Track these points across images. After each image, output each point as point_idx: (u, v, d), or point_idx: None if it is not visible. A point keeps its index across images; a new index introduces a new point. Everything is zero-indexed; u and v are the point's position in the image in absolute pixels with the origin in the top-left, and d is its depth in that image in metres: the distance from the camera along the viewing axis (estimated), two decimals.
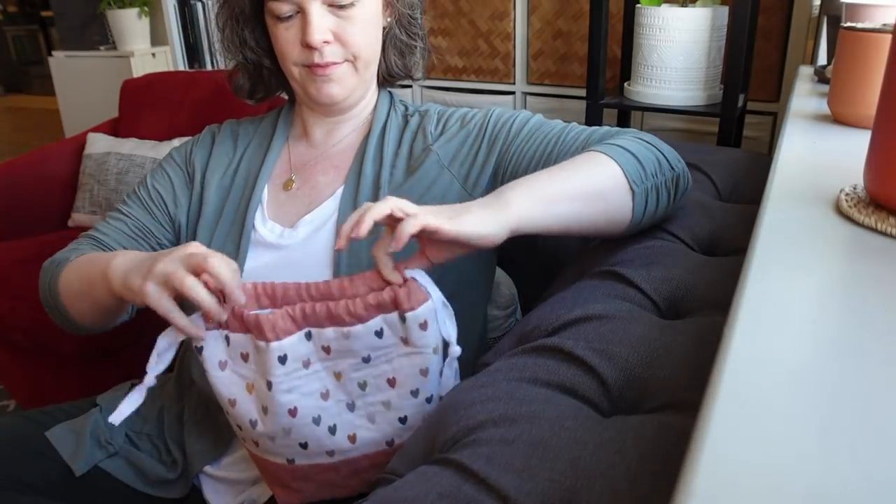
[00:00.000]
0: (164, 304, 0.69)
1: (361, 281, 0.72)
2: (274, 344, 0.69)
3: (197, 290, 0.67)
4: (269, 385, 0.71)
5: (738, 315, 0.44)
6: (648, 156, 0.79)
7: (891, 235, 0.56)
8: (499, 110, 0.94)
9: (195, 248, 0.71)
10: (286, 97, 1.02)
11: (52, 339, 1.47)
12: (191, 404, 0.95)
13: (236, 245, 0.90)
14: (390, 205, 0.65)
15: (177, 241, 0.97)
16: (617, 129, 0.87)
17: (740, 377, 0.38)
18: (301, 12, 0.84)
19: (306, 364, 0.71)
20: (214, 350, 0.73)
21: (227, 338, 0.72)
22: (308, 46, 0.84)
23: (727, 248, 0.84)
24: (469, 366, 0.89)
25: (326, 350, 0.71)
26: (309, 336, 0.71)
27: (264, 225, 0.91)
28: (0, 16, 6.90)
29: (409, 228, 0.62)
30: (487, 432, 0.53)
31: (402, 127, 0.95)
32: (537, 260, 1.17)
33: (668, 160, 0.80)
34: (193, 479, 0.92)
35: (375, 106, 0.97)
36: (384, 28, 0.92)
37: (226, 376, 0.73)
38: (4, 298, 1.52)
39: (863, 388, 0.37)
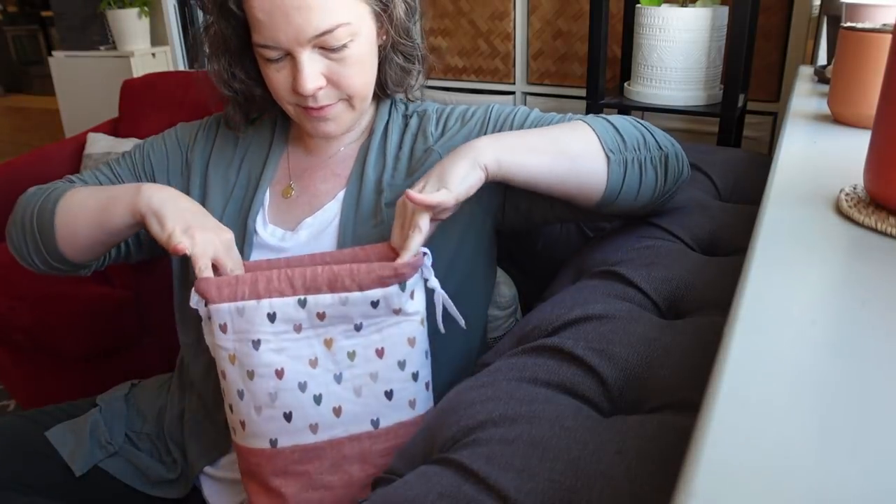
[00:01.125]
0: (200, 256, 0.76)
1: (374, 252, 0.79)
2: (264, 301, 0.73)
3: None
4: (258, 343, 0.73)
5: (738, 315, 0.44)
6: (632, 131, 0.81)
7: (891, 235, 0.56)
8: (498, 106, 0.93)
9: (229, 240, 0.79)
10: None
11: (53, 339, 1.47)
12: (191, 405, 0.95)
13: (239, 247, 0.90)
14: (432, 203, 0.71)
15: None
16: (620, 116, 0.87)
17: (740, 377, 0.38)
18: (291, 55, 0.80)
19: (297, 328, 0.74)
20: (207, 324, 0.77)
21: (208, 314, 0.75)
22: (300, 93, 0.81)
23: (727, 248, 0.84)
24: (469, 366, 0.90)
25: (320, 316, 0.74)
26: (303, 303, 0.73)
27: (265, 229, 0.91)
28: (0, 16, 6.90)
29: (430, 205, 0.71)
30: (487, 432, 0.53)
31: (403, 128, 0.94)
32: (538, 260, 1.17)
33: (655, 139, 0.82)
34: (194, 479, 0.92)
35: (376, 110, 0.95)
36: (379, 47, 0.88)
37: (216, 349, 0.76)
38: (4, 298, 1.52)
39: (863, 388, 0.37)
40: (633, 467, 0.47)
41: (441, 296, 0.76)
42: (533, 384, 0.60)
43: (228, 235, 0.79)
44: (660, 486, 0.45)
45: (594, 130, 0.80)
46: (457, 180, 0.73)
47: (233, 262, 0.78)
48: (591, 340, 0.63)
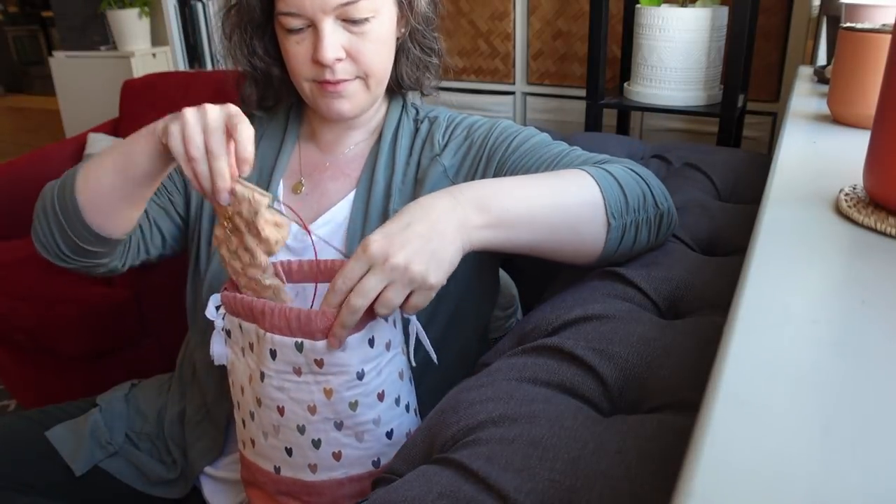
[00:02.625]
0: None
1: None
2: (268, 335, 0.69)
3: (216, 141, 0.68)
4: (263, 376, 0.71)
5: (738, 315, 0.44)
6: (635, 189, 0.76)
7: (890, 235, 0.56)
8: (505, 123, 0.91)
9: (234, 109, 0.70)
10: None
11: (53, 339, 1.47)
12: (192, 404, 0.95)
13: None
14: (374, 286, 0.63)
15: (186, 208, 0.95)
16: (618, 160, 0.83)
17: (740, 377, 0.38)
18: (313, 27, 0.81)
19: (297, 371, 0.70)
20: (237, 336, 0.75)
21: (240, 326, 0.74)
22: (320, 63, 0.81)
23: (727, 248, 0.84)
24: (469, 366, 0.90)
25: (318, 363, 0.69)
26: (300, 347, 0.68)
27: None
28: (0, 16, 6.90)
29: (421, 304, 0.65)
30: (487, 432, 0.53)
31: (414, 133, 0.93)
32: (538, 260, 1.17)
33: (654, 196, 0.77)
34: (194, 479, 0.92)
35: (387, 111, 0.95)
36: (397, 38, 0.88)
37: (241, 364, 0.75)
38: (5, 298, 1.52)
39: (863, 388, 0.37)
40: (633, 467, 0.47)
41: (416, 327, 0.72)
42: (533, 384, 0.60)
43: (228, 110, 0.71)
44: (660, 486, 0.45)
45: (602, 192, 0.72)
46: (448, 265, 0.65)
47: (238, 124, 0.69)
48: (591, 340, 0.63)
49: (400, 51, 0.90)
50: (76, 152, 2.02)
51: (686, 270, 0.76)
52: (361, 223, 0.87)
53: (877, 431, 0.34)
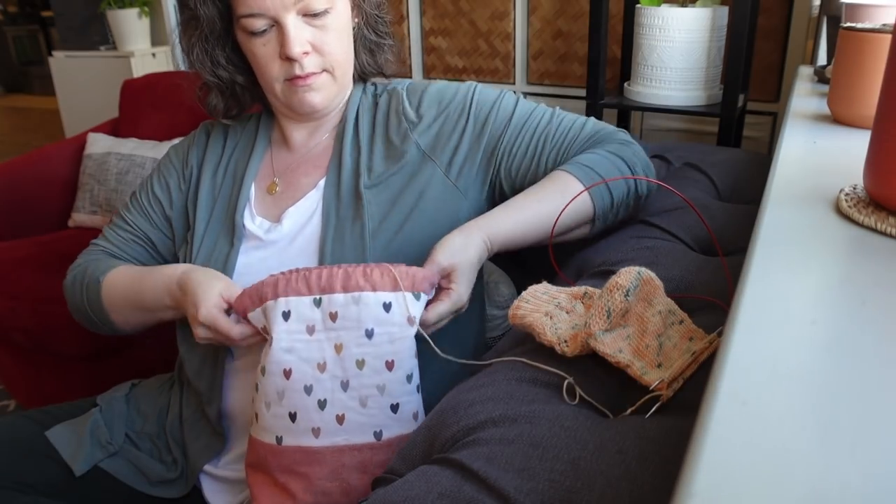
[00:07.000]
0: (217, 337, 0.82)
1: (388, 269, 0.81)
2: (281, 300, 0.74)
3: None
4: (270, 340, 0.75)
5: (738, 315, 0.44)
6: (622, 187, 0.87)
7: (891, 235, 0.56)
8: (480, 91, 0.94)
9: (206, 318, 0.80)
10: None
11: (53, 339, 1.47)
12: (190, 404, 0.95)
13: (229, 242, 0.92)
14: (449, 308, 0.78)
15: (173, 243, 0.99)
16: (603, 126, 0.91)
17: (740, 377, 0.38)
18: (276, 25, 0.84)
19: (310, 330, 0.74)
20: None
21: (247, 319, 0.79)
22: (288, 59, 0.84)
23: (727, 248, 0.84)
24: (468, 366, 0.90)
25: (333, 317, 0.74)
26: (318, 303, 0.74)
27: (253, 221, 0.93)
28: (0, 16, 6.90)
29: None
30: (487, 432, 0.53)
31: (373, 109, 0.96)
32: (537, 260, 1.17)
33: (637, 189, 0.89)
34: (195, 479, 0.92)
35: (348, 99, 0.97)
36: (353, 28, 0.93)
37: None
38: (4, 298, 1.52)
39: (862, 389, 0.37)
40: (633, 467, 0.47)
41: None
42: (533, 384, 0.60)
43: (214, 293, 0.81)
44: (660, 486, 0.45)
45: (593, 204, 0.85)
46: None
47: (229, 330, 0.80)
48: None
49: (357, 39, 0.94)
50: (76, 152, 2.02)
51: (686, 270, 0.76)
52: (335, 205, 0.89)
53: (876, 431, 0.34)
